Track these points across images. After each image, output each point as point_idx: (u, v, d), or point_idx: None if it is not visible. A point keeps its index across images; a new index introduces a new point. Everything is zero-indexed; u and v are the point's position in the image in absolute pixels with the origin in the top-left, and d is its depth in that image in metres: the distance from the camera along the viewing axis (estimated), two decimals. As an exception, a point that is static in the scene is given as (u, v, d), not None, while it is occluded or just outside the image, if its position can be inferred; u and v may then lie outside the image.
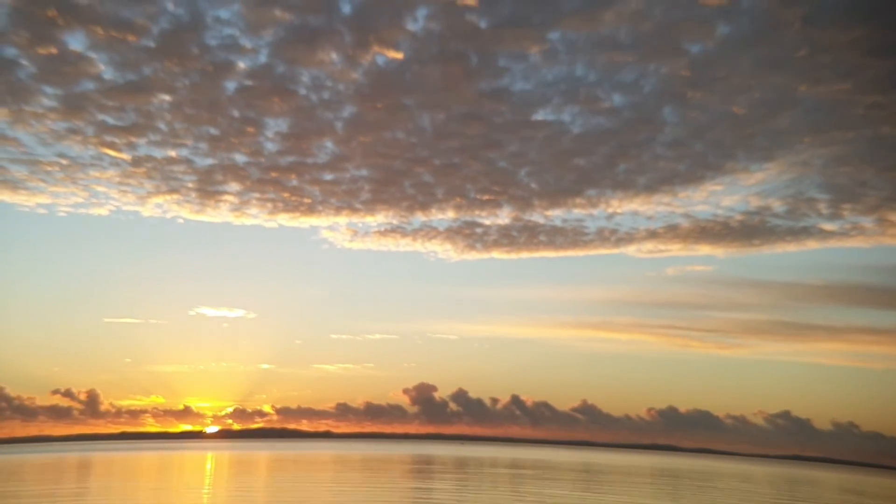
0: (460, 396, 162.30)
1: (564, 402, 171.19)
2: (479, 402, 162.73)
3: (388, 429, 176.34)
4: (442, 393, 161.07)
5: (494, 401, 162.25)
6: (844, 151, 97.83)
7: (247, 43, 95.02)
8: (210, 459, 63.95)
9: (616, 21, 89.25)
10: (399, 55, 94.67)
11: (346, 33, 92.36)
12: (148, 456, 71.15)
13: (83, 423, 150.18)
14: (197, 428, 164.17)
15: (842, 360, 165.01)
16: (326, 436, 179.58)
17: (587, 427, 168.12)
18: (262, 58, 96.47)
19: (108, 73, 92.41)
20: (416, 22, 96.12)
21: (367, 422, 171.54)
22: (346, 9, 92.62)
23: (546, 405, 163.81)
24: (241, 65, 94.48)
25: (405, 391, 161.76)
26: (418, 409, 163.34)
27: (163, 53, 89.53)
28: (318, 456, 72.95)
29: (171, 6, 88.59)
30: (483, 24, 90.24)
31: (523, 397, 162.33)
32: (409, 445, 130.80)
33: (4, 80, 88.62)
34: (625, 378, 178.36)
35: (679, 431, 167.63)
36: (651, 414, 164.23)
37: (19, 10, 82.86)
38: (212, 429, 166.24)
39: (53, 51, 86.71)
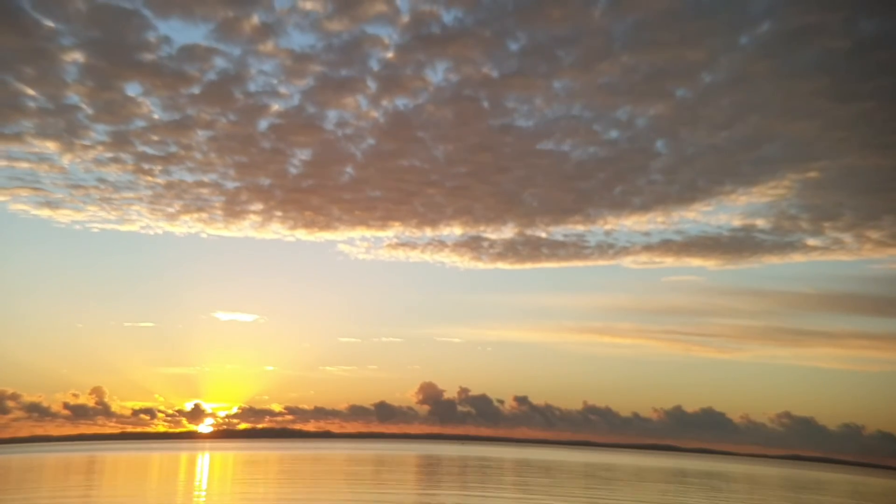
0: (465, 398, 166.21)
1: (569, 403, 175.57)
2: (484, 403, 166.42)
3: (394, 429, 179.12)
4: (448, 395, 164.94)
5: (500, 402, 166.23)
6: (820, 178, 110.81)
7: (283, 89, 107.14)
8: (229, 459, 64.91)
9: (610, 70, 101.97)
10: (418, 100, 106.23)
11: (372, 83, 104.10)
12: (166, 456, 72.58)
13: (97, 424, 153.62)
14: (206, 428, 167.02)
15: (838, 364, 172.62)
16: (336, 436, 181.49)
17: (592, 428, 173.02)
18: (295, 101, 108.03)
19: (156, 112, 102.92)
20: (437, 74, 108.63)
21: (375, 422, 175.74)
22: (375, 65, 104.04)
23: (551, 407, 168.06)
24: (276, 107, 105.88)
25: (412, 393, 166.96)
26: (425, 409, 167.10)
27: (208, 98, 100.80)
28: (340, 455, 73.88)
29: (221, 62, 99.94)
30: (495, 74, 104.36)
31: (528, 399, 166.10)
32: (414, 445, 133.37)
33: (64, 120, 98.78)
34: (629, 380, 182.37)
35: (683, 433, 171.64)
36: (657, 415, 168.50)
37: (90, 66, 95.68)
38: (221, 429, 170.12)
39: (112, 97, 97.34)
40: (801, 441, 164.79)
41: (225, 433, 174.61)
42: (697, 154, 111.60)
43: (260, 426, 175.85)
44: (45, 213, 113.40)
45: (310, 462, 57.20)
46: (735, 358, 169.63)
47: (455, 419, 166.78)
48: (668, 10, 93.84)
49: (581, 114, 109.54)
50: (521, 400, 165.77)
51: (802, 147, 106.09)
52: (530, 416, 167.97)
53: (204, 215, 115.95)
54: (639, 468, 66.95)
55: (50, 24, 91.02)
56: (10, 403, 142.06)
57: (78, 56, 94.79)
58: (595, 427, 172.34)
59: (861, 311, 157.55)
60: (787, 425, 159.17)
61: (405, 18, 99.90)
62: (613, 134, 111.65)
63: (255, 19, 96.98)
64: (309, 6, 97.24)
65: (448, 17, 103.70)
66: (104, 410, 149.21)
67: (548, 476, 46.18)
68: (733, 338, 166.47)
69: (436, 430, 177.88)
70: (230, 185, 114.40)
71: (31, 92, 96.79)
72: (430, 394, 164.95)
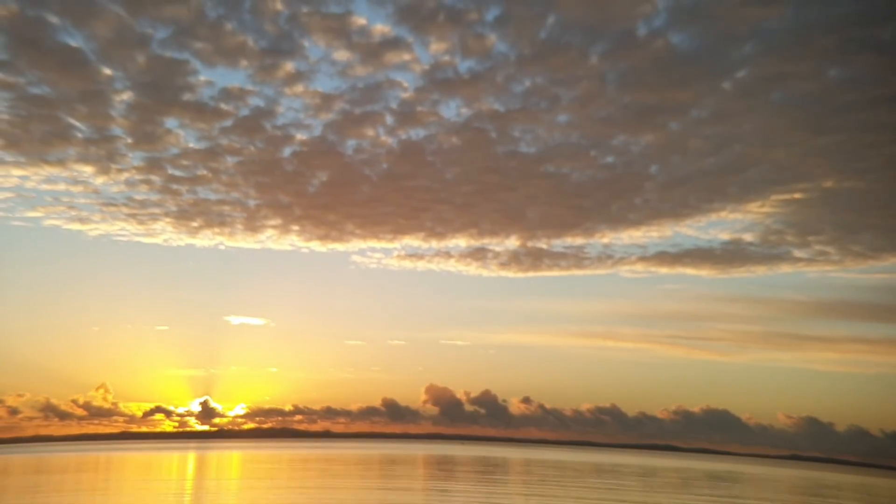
0: (472, 399, 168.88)
1: (573, 404, 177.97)
2: (491, 404, 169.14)
3: (401, 429, 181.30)
4: (454, 396, 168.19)
5: (505, 402, 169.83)
6: (802, 199, 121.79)
7: (308, 122, 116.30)
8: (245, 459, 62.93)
9: (606, 107, 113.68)
10: (431, 131, 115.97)
11: (391, 118, 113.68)
12: (192, 456, 71.99)
13: (105, 424, 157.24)
14: (216, 427, 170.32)
15: (836, 367, 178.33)
16: (343, 436, 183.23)
17: (597, 429, 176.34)
18: (317, 131, 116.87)
19: (189, 141, 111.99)
20: (450, 109, 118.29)
21: (382, 423, 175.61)
22: (393, 103, 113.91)
23: (556, 408, 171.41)
24: (300, 136, 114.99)
25: (418, 394, 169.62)
26: (431, 410, 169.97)
27: (239, 129, 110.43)
28: (363, 455, 72.42)
29: (256, 100, 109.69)
30: (502, 109, 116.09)
31: (533, 400, 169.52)
32: (425, 446, 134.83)
33: (105, 149, 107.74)
34: (632, 383, 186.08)
35: (688, 434, 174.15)
36: (662, 416, 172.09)
37: (137, 104, 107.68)
38: (229, 428, 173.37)
39: (152, 129, 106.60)
40: (808, 442, 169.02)
41: (232, 433, 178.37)
42: (688, 177, 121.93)
43: (265, 426, 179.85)
44: (75, 226, 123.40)
45: (348, 462, 56.71)
46: (736, 361, 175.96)
47: (462, 420, 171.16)
48: (656, 58, 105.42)
49: (579, 141, 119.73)
50: (527, 401, 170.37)
51: (784, 172, 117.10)
52: (536, 417, 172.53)
53: (225, 229, 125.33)
54: (660, 469, 67.43)
55: (108, 71, 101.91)
56: (23, 404, 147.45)
57: (127, 96, 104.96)
58: (599, 428, 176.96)
59: (853, 317, 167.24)
60: (792, 426, 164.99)
61: (425, 66, 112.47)
62: (610, 159, 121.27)
63: (290, 66, 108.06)
64: (339, 56, 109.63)
65: (463, 66, 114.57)
66: (114, 410, 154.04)
67: (593, 476, 46.16)
68: (733, 342, 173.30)
69: (442, 430, 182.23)
70: (252, 202, 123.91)
71: (80, 125, 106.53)
72: (437, 395, 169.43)
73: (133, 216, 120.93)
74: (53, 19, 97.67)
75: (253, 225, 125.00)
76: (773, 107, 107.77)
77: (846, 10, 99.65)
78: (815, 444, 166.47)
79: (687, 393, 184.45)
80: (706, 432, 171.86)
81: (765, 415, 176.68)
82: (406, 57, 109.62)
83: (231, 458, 63.98)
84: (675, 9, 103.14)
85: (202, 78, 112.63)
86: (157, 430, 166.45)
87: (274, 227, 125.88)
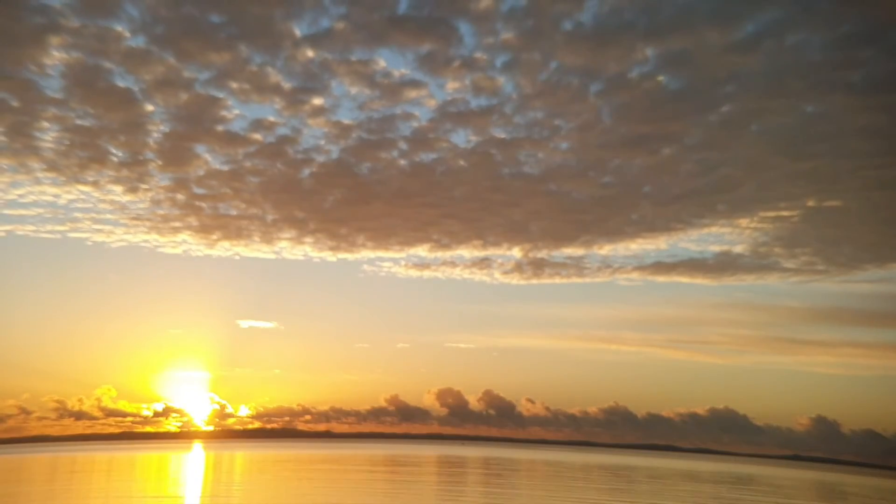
0: (477, 400, 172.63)
1: (577, 406, 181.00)
2: (497, 405, 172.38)
3: (408, 429, 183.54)
4: (459, 397, 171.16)
5: (509, 405, 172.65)
6: (787, 215, 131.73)
7: (327, 147, 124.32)
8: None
9: (603, 135, 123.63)
10: (441, 154, 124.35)
11: (404, 143, 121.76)
12: (211, 455, 69.66)
13: (115, 424, 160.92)
14: (223, 427, 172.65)
15: (836, 370, 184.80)
16: (349, 436, 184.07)
17: (601, 429, 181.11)
18: (335, 155, 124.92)
19: (215, 164, 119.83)
20: (459, 137, 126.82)
21: (389, 423, 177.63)
22: (407, 131, 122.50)
23: (561, 409, 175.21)
24: (319, 159, 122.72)
25: (424, 395, 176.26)
26: (438, 411, 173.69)
27: (263, 154, 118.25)
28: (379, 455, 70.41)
29: (282, 130, 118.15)
30: (507, 137, 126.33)
31: (536, 401, 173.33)
32: (436, 446, 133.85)
33: (136, 171, 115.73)
34: (633, 385, 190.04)
35: (691, 434, 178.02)
36: (667, 417, 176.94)
37: (172, 133, 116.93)
38: (235, 428, 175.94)
39: (182, 154, 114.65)
40: (818, 442, 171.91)
41: (238, 433, 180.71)
42: (680, 196, 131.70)
43: (271, 426, 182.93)
44: (99, 238, 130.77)
45: (374, 462, 55.59)
46: (737, 363, 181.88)
47: (470, 420, 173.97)
48: (647, 96, 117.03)
49: (578, 164, 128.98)
50: (529, 402, 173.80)
51: (769, 191, 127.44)
52: (544, 418, 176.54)
53: (242, 241, 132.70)
54: (677, 471, 66.50)
55: (151, 107, 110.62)
56: (26, 403, 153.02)
57: (164, 127, 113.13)
58: (606, 428, 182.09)
59: (845, 323, 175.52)
60: (799, 427, 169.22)
61: (439, 102, 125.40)
62: (607, 179, 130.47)
63: (316, 101, 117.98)
64: (360, 92, 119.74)
65: (473, 102, 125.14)
66: (124, 410, 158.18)
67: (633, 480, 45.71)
68: (732, 345, 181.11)
69: (450, 430, 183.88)
70: (269, 217, 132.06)
71: (116, 151, 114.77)
72: (444, 396, 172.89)
73: (155, 229, 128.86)
74: (110, 66, 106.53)
75: (268, 237, 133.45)
76: (755, 136, 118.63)
77: (815, 58, 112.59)
78: (825, 444, 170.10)
79: (689, 395, 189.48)
80: (714, 433, 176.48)
81: (770, 416, 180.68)
82: (422, 93, 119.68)
83: (262, 458, 62.50)
84: (664, 56, 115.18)
85: (235, 112, 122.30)
86: (163, 430, 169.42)
87: (288, 238, 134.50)
